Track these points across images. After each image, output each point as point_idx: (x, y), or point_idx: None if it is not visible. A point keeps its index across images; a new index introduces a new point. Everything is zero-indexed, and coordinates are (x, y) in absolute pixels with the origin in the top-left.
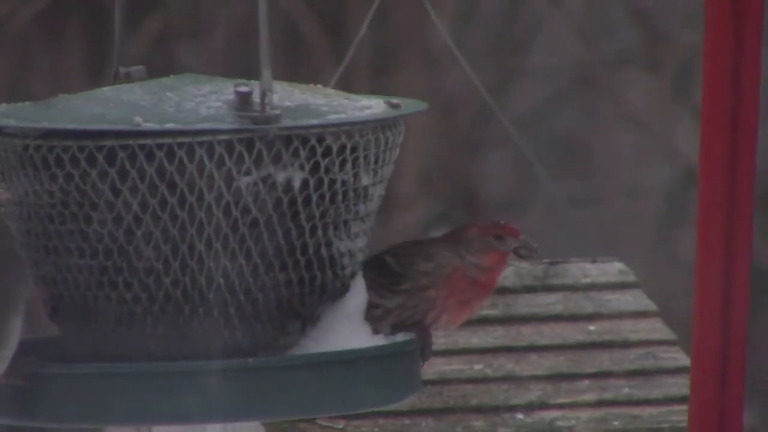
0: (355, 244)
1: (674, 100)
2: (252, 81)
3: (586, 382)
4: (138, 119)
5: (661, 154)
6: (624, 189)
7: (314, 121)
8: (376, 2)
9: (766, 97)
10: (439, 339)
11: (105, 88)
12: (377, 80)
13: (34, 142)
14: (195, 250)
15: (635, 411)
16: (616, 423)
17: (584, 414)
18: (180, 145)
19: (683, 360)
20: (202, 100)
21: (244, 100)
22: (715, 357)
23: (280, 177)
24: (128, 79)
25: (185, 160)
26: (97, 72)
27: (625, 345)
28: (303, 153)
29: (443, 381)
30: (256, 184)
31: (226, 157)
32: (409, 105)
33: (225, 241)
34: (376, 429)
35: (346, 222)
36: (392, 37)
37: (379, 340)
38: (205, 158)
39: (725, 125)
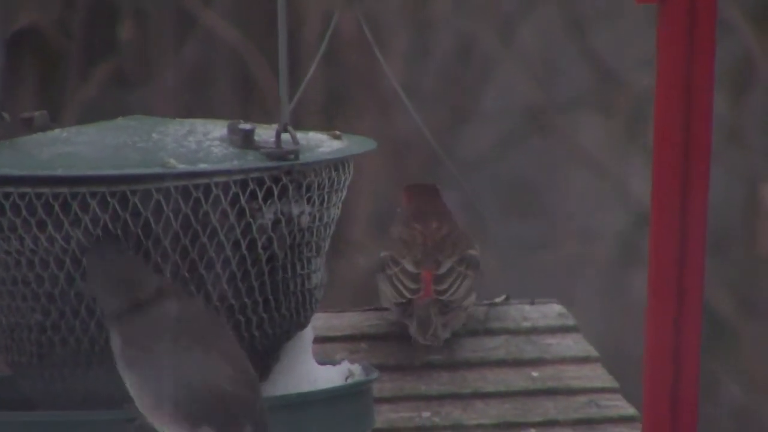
0: (318, 279)
1: (627, 144)
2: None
3: (532, 430)
4: (172, 161)
5: (614, 198)
6: (576, 232)
7: (334, 155)
8: (324, 45)
9: (717, 142)
10: (385, 384)
11: (57, 131)
12: (329, 122)
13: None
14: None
15: None
16: None
17: None
18: (196, 186)
19: (626, 409)
20: (197, 139)
21: (246, 137)
22: (665, 402)
23: (296, 212)
24: (31, 124)
25: (202, 200)
26: (52, 117)
27: (569, 392)
28: (314, 187)
29: (392, 429)
30: (278, 221)
31: (240, 195)
32: (358, 142)
33: (231, 282)
34: None
35: (309, 258)
36: (344, 79)
37: (332, 373)
38: (222, 197)
39: (676, 169)
